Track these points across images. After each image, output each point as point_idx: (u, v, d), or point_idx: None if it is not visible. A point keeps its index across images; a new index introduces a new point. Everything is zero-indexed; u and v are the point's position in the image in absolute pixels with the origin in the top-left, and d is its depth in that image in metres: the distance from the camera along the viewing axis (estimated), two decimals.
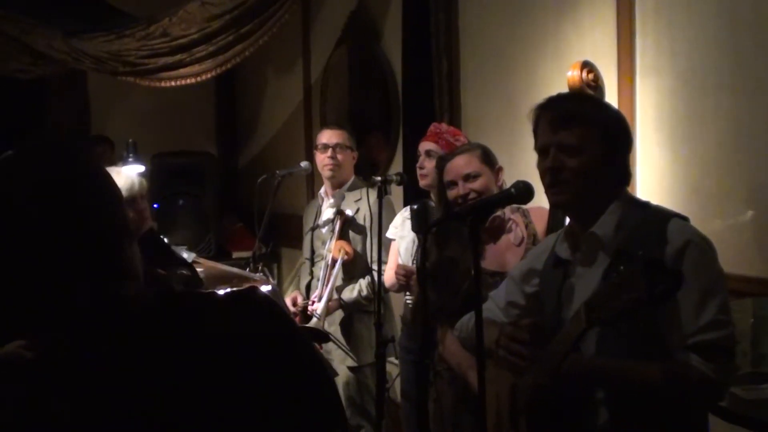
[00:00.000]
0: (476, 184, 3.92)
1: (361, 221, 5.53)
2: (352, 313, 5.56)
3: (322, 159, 5.71)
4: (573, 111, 2.81)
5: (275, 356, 1.67)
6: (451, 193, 3.95)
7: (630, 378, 2.67)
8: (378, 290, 4.72)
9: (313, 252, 5.81)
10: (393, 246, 5.12)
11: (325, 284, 5.38)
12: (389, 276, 4.99)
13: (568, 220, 3.74)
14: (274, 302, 1.78)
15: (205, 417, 1.55)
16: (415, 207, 4.37)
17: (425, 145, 4.75)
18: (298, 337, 1.75)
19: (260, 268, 5.95)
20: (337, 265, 5.34)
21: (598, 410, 2.72)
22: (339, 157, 5.67)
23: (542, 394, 2.79)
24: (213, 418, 1.55)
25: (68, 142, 1.81)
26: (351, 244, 5.45)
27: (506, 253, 4.00)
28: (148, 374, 1.55)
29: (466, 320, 3.23)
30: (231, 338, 1.63)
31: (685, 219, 2.77)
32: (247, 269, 5.95)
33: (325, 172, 5.71)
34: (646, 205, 2.84)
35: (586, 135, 2.74)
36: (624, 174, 2.84)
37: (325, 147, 5.68)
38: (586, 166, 2.73)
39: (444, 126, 4.79)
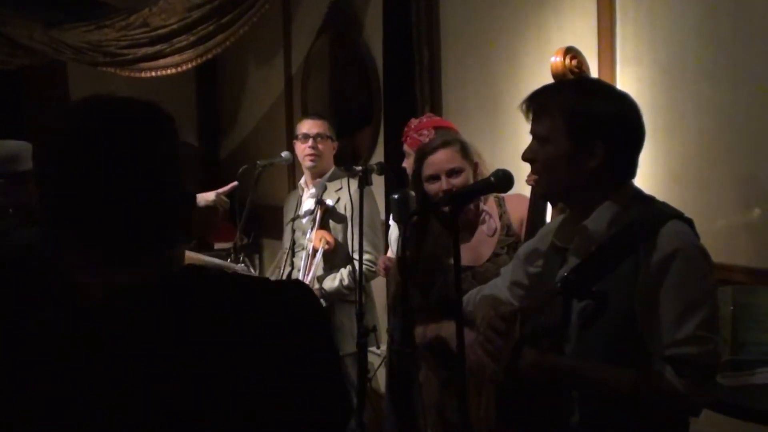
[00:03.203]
0: (459, 180, 3.89)
1: (341, 211, 5.53)
2: (333, 302, 5.55)
3: (303, 149, 5.71)
4: (544, 101, 2.76)
5: (314, 347, 1.72)
6: (433, 187, 3.91)
7: (600, 382, 2.64)
8: (359, 280, 4.71)
9: (293, 242, 5.80)
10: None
11: (305, 274, 5.38)
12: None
13: (549, 208, 3.78)
14: (318, 299, 1.82)
15: (233, 388, 1.58)
16: (396, 197, 4.36)
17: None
18: (333, 338, 1.83)
19: (241, 258, 5.94)
20: (318, 254, 5.34)
21: (572, 409, 2.70)
22: (320, 146, 5.67)
23: (499, 389, 2.80)
24: (242, 391, 1.59)
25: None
26: (332, 234, 5.45)
27: (479, 247, 3.99)
28: (195, 343, 1.58)
29: (473, 294, 3.21)
30: (283, 321, 1.68)
31: (687, 221, 2.67)
32: (229, 260, 5.94)
33: (306, 162, 5.71)
34: (648, 202, 2.74)
35: (552, 125, 2.69)
36: (624, 169, 2.73)
37: (306, 137, 5.69)
38: (552, 157, 2.68)
39: (413, 121, 4.73)
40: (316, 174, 5.71)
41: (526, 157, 2.78)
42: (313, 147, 5.66)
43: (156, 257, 1.66)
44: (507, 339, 2.77)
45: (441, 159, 3.93)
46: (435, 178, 3.91)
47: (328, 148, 5.75)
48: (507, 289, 3.11)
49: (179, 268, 1.69)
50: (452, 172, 3.90)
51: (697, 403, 2.61)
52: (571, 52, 3.69)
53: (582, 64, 3.71)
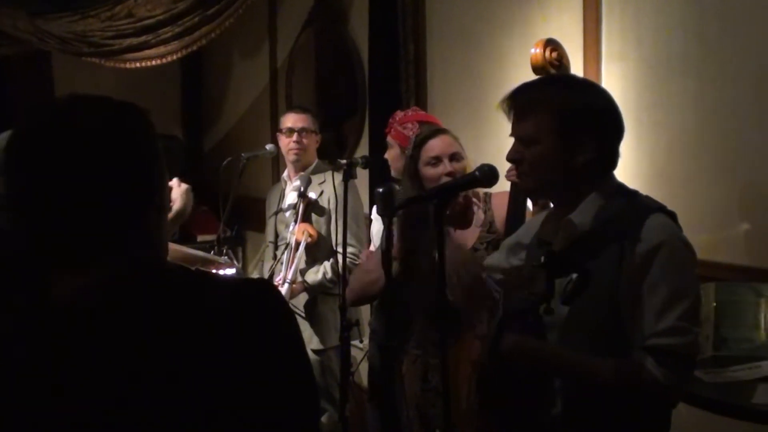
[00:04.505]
0: (459, 166, 3.89)
1: (324, 204, 5.54)
2: (316, 295, 5.56)
3: (287, 143, 5.73)
4: (529, 100, 2.74)
5: (280, 345, 1.70)
6: (434, 171, 3.87)
7: (580, 369, 2.65)
8: (342, 273, 4.70)
9: (276, 235, 5.81)
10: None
11: (288, 267, 5.37)
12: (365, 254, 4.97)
13: (530, 204, 3.77)
14: (281, 295, 1.80)
15: (200, 391, 1.58)
16: (381, 190, 4.35)
17: None
18: (299, 334, 1.79)
19: (225, 251, 5.93)
20: (301, 247, 5.33)
21: (554, 399, 2.70)
22: (304, 141, 5.68)
23: (482, 372, 2.81)
24: (208, 393, 1.58)
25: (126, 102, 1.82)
26: (314, 227, 5.45)
27: (461, 238, 3.98)
28: (152, 345, 1.58)
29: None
30: (241, 320, 1.65)
31: (670, 214, 2.69)
32: (212, 252, 5.92)
33: (290, 156, 5.72)
34: (632, 195, 2.75)
35: (541, 124, 2.68)
36: (605, 160, 2.73)
37: (291, 131, 5.71)
38: (543, 155, 2.68)
39: (399, 114, 4.74)
40: (300, 167, 5.72)
41: (511, 158, 2.77)
42: (297, 141, 5.67)
43: (124, 257, 1.65)
44: (491, 321, 2.78)
45: (445, 142, 3.92)
46: (437, 160, 3.89)
47: (312, 142, 5.76)
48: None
49: (146, 268, 1.67)
50: (454, 157, 3.89)
51: (676, 393, 2.63)
52: (551, 44, 3.66)
53: (562, 57, 3.68)
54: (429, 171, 3.90)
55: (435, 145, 3.93)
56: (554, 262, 2.41)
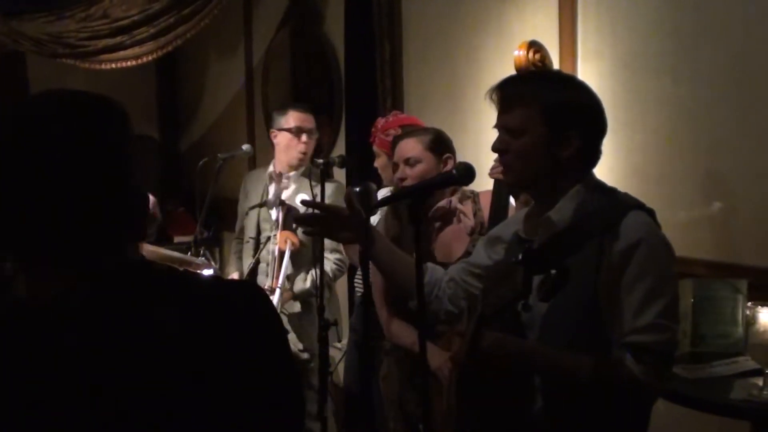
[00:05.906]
0: (414, 171, 3.90)
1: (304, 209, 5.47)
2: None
3: (295, 144, 5.54)
4: (516, 92, 2.75)
5: (268, 349, 1.70)
6: (396, 175, 3.97)
7: (559, 367, 2.65)
8: (321, 274, 4.69)
9: (259, 233, 5.72)
10: None
11: (275, 277, 5.30)
12: None
13: (512, 201, 3.78)
14: (269, 299, 1.81)
15: (189, 391, 1.57)
16: (357, 189, 4.35)
17: None
18: (285, 338, 1.81)
19: (202, 252, 5.90)
20: (286, 257, 5.26)
21: (534, 396, 2.70)
22: (311, 143, 5.56)
23: (460, 371, 2.81)
24: (197, 392, 1.58)
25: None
26: (296, 234, 5.39)
27: (452, 244, 3.99)
28: (145, 341, 1.57)
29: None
30: (229, 322, 1.65)
31: (648, 211, 2.70)
32: (189, 253, 5.90)
33: (297, 157, 5.56)
34: (610, 192, 2.76)
35: (527, 116, 2.68)
36: (588, 156, 2.76)
37: (300, 131, 5.54)
38: (528, 147, 2.68)
39: (380, 121, 4.73)
40: (294, 168, 5.59)
41: (496, 148, 2.77)
42: (306, 143, 5.53)
43: (105, 256, 1.63)
44: (470, 317, 2.77)
45: (403, 148, 3.98)
46: (396, 165, 3.97)
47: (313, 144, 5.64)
48: (464, 270, 3.10)
49: (128, 267, 1.66)
50: (408, 161, 3.92)
51: (653, 390, 2.64)
52: (534, 46, 3.72)
53: (545, 58, 3.75)
54: (395, 175, 4.02)
55: (397, 150, 4.04)
56: (532, 258, 2.42)
